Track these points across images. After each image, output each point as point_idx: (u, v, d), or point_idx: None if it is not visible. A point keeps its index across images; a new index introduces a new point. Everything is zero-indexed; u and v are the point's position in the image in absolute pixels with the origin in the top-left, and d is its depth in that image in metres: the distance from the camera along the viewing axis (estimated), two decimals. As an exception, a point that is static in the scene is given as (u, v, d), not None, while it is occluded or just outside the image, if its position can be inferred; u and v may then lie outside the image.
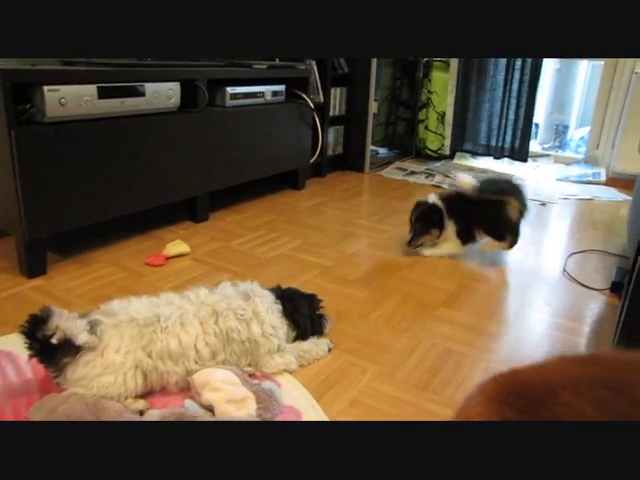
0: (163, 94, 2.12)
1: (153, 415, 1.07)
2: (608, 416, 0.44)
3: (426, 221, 2.15)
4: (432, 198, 2.18)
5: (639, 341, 1.28)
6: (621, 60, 3.61)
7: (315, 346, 1.43)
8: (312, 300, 1.52)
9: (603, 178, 3.60)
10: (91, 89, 1.84)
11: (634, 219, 1.86)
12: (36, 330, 1.10)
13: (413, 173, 3.71)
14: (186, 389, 1.23)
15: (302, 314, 1.44)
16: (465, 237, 2.16)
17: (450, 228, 2.16)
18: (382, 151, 4.08)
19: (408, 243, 2.19)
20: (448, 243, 2.19)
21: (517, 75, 3.80)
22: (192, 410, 1.13)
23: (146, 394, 1.22)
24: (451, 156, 4.13)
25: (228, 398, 1.13)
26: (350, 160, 3.69)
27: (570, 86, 4.40)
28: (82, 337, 1.12)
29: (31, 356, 1.13)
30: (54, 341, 1.09)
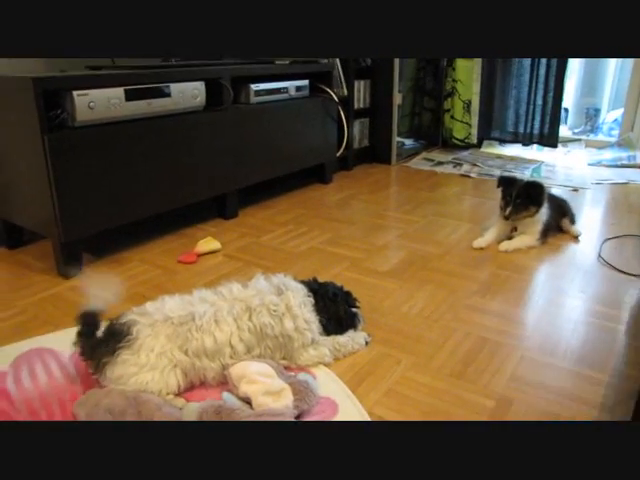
0: (189, 94, 2.14)
1: (193, 408, 1.09)
2: None
3: (527, 197, 2.13)
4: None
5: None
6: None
7: (351, 340, 1.42)
8: (347, 298, 1.51)
9: (639, 161, 3.50)
10: (118, 92, 1.88)
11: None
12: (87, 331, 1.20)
13: (440, 163, 3.67)
14: (224, 383, 1.25)
15: (328, 317, 1.42)
16: (550, 228, 2.21)
17: (543, 211, 2.16)
18: (408, 142, 4.05)
19: (506, 217, 2.14)
20: (526, 235, 2.17)
21: (544, 59, 3.72)
22: (230, 402, 1.14)
23: (185, 390, 1.25)
24: (478, 145, 4.08)
25: (265, 390, 1.14)
26: (376, 152, 3.68)
27: (601, 68, 4.29)
28: None
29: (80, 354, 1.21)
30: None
